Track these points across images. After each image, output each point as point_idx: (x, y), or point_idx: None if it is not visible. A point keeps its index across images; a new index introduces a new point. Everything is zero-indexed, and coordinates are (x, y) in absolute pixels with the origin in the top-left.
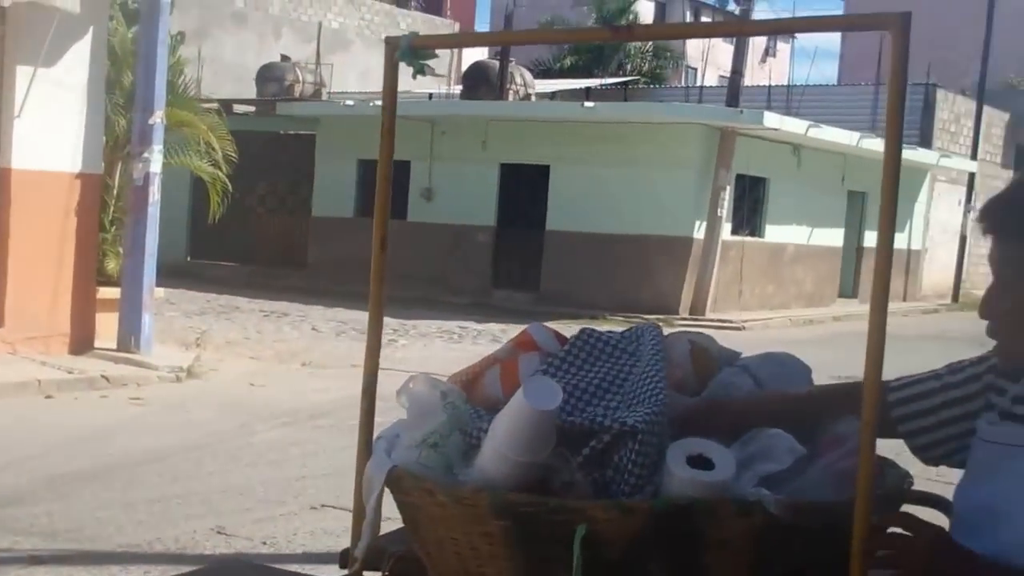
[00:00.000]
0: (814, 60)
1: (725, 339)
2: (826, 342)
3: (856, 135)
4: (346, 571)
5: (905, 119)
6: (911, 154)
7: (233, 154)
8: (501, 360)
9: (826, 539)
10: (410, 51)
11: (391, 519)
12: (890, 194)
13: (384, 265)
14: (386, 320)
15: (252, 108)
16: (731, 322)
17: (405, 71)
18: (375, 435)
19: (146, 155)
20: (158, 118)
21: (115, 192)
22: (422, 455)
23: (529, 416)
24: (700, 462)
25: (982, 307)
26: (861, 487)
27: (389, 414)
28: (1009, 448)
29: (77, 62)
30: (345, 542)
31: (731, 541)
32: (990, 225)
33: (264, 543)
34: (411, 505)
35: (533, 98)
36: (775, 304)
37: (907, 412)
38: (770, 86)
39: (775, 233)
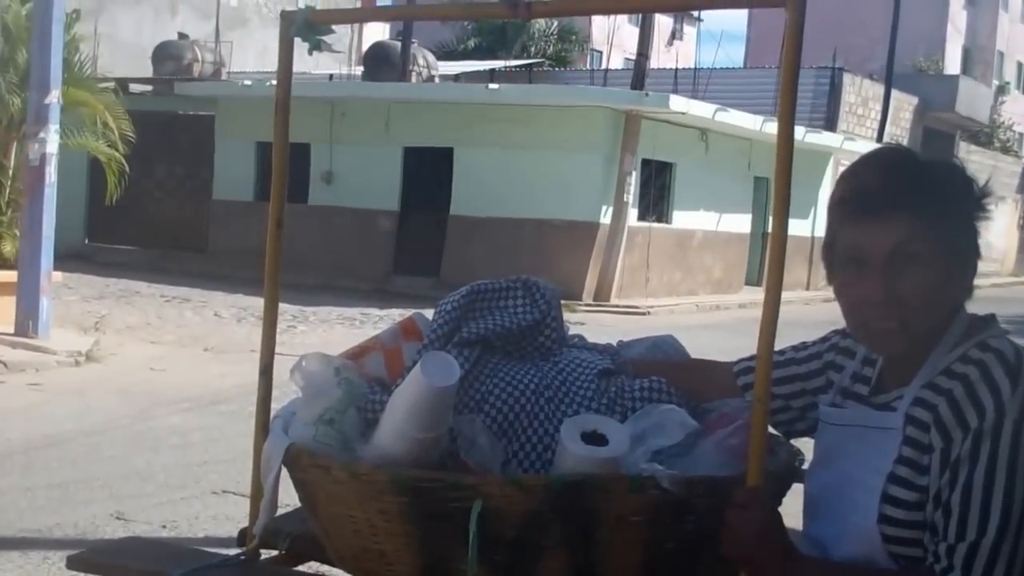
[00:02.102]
0: (720, 43)
1: (629, 324)
2: (729, 328)
3: (760, 119)
4: (243, 550)
5: (810, 103)
6: (815, 138)
7: (131, 134)
8: (386, 346)
9: (719, 515)
10: (306, 26)
11: (288, 505)
12: (783, 176)
13: (280, 245)
14: (285, 307)
15: (149, 88)
16: (636, 308)
17: (303, 50)
18: (272, 415)
19: (42, 135)
20: (54, 97)
21: (11, 173)
22: (318, 432)
23: (428, 393)
24: (594, 438)
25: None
26: (752, 462)
27: (288, 399)
28: (848, 429)
29: None
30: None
31: (625, 517)
32: (868, 210)
33: (164, 527)
34: (308, 483)
35: (436, 80)
36: (682, 291)
37: (750, 382)
38: (677, 69)
39: (683, 219)
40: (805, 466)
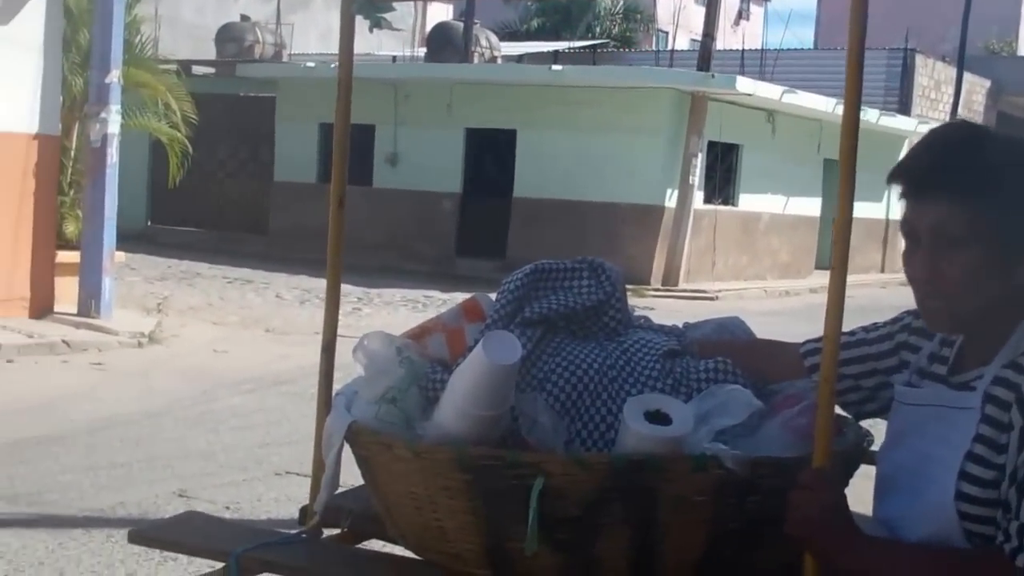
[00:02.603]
0: (788, 23)
1: (697, 309)
2: (798, 314)
3: (832, 101)
4: (304, 528)
5: (884, 85)
6: (889, 121)
7: (192, 115)
8: (447, 327)
9: (784, 496)
10: (367, 3)
11: (350, 484)
12: (849, 154)
13: (342, 225)
14: (350, 289)
15: (211, 70)
16: (704, 292)
17: (366, 31)
18: (334, 393)
19: (103, 115)
20: (115, 77)
21: (73, 154)
22: (381, 410)
23: (489, 371)
24: (658, 417)
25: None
26: (818, 442)
27: (350, 379)
28: (925, 408)
29: (32, 20)
30: None
31: (688, 497)
32: (914, 189)
33: (227, 508)
34: (370, 460)
35: (499, 61)
36: (749, 275)
37: (817, 363)
38: (743, 50)
39: (749, 202)
40: (874, 447)
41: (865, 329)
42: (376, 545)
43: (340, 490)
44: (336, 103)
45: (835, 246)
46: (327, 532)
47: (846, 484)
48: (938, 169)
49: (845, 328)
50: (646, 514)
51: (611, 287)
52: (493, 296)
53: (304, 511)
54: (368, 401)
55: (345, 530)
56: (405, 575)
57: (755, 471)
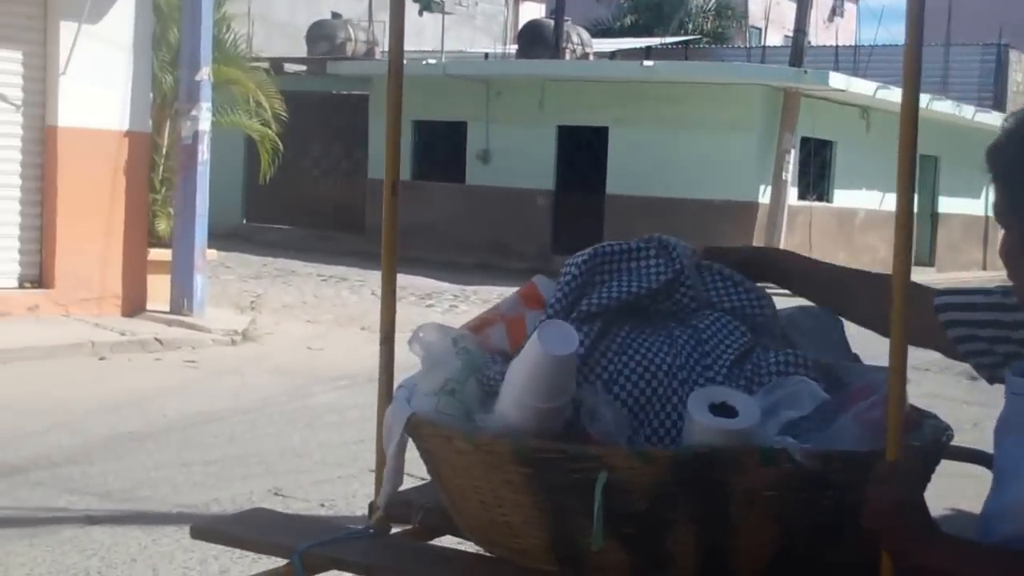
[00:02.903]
0: (881, 20)
1: (792, 305)
2: None
3: (927, 97)
4: (371, 523)
5: (977, 81)
6: (984, 117)
7: (283, 112)
8: (506, 316)
9: (861, 491)
10: None
11: (423, 478)
12: (908, 144)
13: (396, 212)
14: (446, 286)
15: (303, 67)
16: None
17: (460, 28)
18: (396, 385)
19: (194, 113)
20: (205, 75)
21: (164, 151)
22: (440, 402)
23: (545, 362)
24: (723, 410)
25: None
26: (890, 434)
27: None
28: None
29: (122, 18)
30: None
31: (758, 491)
32: (993, 170)
33: (322, 505)
34: (432, 453)
35: (591, 58)
36: None
37: (955, 318)
38: (837, 46)
39: (844, 198)
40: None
41: (1004, 292)
42: (450, 541)
43: (411, 485)
44: (387, 88)
45: (896, 234)
46: (399, 528)
47: (926, 479)
48: (1001, 154)
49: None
50: (715, 509)
51: (680, 264)
52: (552, 281)
53: (372, 507)
54: (427, 393)
55: (416, 526)
56: (471, 571)
57: (827, 465)
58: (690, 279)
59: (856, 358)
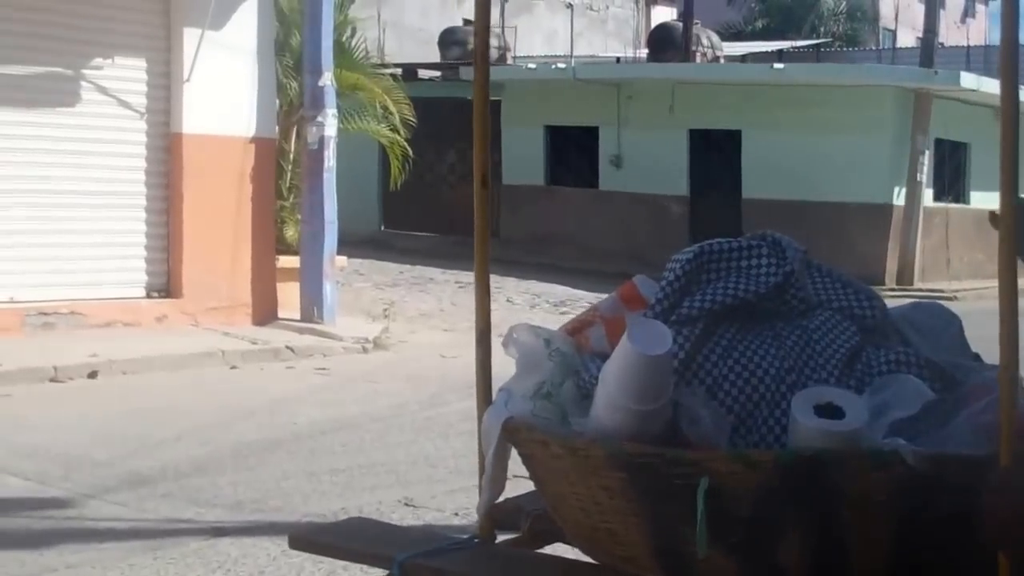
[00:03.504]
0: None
1: (908, 302)
2: None
3: None
4: (476, 532)
5: None
6: None
7: (411, 118)
8: (605, 317)
9: (975, 497)
10: None
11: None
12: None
13: (486, 205)
14: (583, 294)
15: (437, 73)
16: (941, 292)
17: (592, 33)
18: (497, 387)
19: (319, 119)
20: (326, 79)
21: (291, 158)
22: (536, 406)
23: (638, 362)
24: (829, 411)
25: None
26: (1003, 440)
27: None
28: None
29: (245, 24)
30: None
31: (870, 495)
32: None
33: (456, 514)
34: (531, 458)
35: (721, 61)
36: (987, 273)
37: None
38: (968, 47)
39: (981, 199)
40: None
41: None
42: (561, 549)
43: (521, 492)
44: (473, 78)
45: (1001, 225)
46: (509, 536)
47: None
48: None
49: None
50: (823, 514)
51: (791, 267)
52: (653, 281)
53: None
54: (523, 396)
55: (524, 533)
56: None
57: (942, 468)
58: (800, 281)
59: (976, 357)
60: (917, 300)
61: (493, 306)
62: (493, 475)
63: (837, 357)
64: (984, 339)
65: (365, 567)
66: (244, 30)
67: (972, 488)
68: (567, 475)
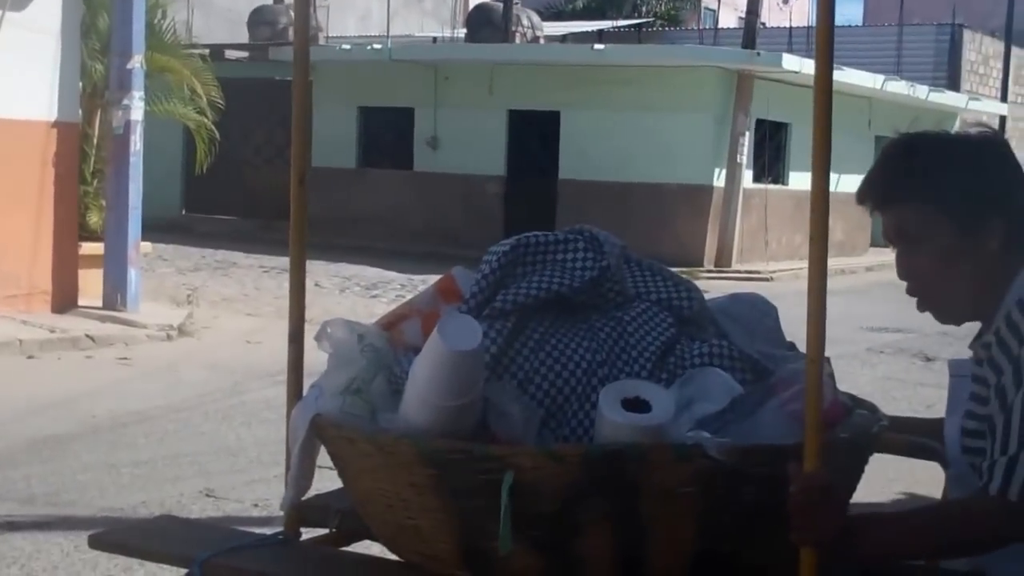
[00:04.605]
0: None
1: (754, 290)
2: (858, 292)
3: (880, 78)
4: (281, 529)
5: (932, 60)
6: (938, 97)
7: (219, 100)
8: (422, 312)
9: (782, 484)
10: None
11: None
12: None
13: (304, 203)
14: (393, 275)
15: (245, 54)
16: (759, 273)
17: (407, 14)
18: (309, 383)
19: (126, 102)
20: (136, 62)
21: (95, 142)
22: (346, 402)
23: (447, 358)
24: (637, 405)
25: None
26: (808, 435)
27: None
28: (953, 379)
29: (48, 5)
30: None
31: (673, 489)
32: (873, 204)
33: (255, 505)
34: (338, 456)
35: (542, 41)
36: (804, 254)
37: None
38: (791, 28)
39: (800, 180)
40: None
41: None
42: (373, 548)
43: (330, 489)
44: (293, 75)
45: (812, 219)
46: (317, 533)
47: (858, 472)
48: (888, 181)
49: None
50: (628, 509)
51: (607, 261)
52: (471, 273)
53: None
54: (333, 392)
55: (333, 531)
56: None
57: (746, 459)
58: (617, 275)
59: (792, 346)
60: (736, 292)
61: None
62: (298, 472)
63: (651, 350)
64: (798, 320)
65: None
66: (47, 11)
67: (777, 479)
68: (374, 472)
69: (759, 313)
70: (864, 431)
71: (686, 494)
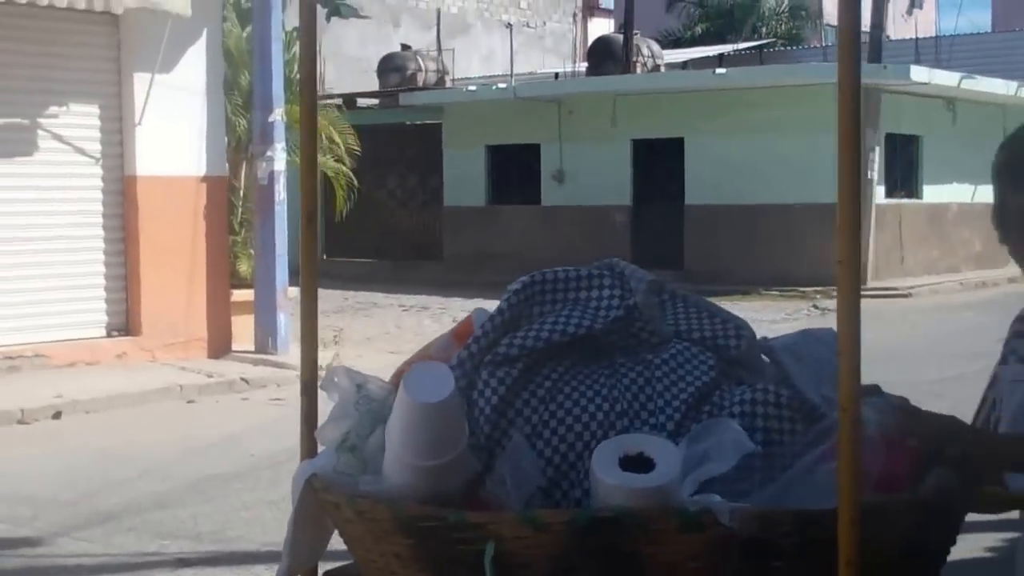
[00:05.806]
0: (961, 8)
1: (891, 309)
2: (1000, 304)
3: (1014, 84)
4: None
5: None
6: None
7: (356, 147)
8: (435, 357)
9: (825, 556)
10: None
11: None
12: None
13: (313, 242)
14: None
15: (375, 101)
16: (895, 290)
17: (530, 50)
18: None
19: (269, 154)
20: (278, 115)
21: (242, 193)
22: (340, 460)
23: (416, 413)
24: (639, 463)
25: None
26: (843, 499)
27: None
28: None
29: (193, 65)
30: None
31: (680, 563)
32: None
33: None
34: (333, 520)
35: (662, 69)
36: (941, 268)
37: None
38: (917, 39)
39: (934, 193)
40: None
41: None
42: None
43: None
44: (301, 106)
45: (840, 240)
46: None
47: (947, 544)
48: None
49: None
50: None
51: (634, 301)
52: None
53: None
54: (329, 448)
55: None
56: None
57: (769, 528)
58: (646, 313)
59: (874, 389)
60: (808, 328)
61: (435, 327)
62: (294, 539)
63: (682, 398)
64: (941, 337)
65: None
66: (193, 71)
67: (815, 547)
68: (362, 540)
69: (831, 352)
70: (946, 489)
71: (696, 569)
